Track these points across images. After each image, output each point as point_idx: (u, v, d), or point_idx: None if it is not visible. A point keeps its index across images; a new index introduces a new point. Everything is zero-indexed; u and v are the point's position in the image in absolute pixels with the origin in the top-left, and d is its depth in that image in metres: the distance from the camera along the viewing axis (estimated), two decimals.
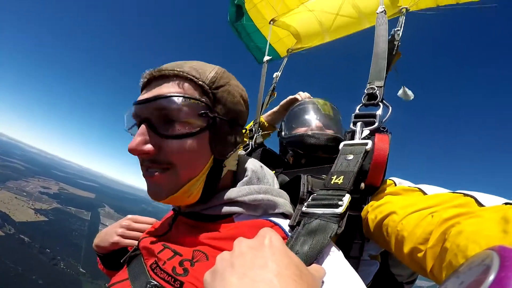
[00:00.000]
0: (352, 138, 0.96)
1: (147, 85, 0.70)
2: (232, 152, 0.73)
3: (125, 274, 0.70)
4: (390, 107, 1.03)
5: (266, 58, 2.44)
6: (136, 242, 0.85)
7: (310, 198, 0.71)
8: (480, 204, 0.57)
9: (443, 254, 0.54)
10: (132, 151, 0.63)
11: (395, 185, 0.85)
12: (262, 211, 0.70)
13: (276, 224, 0.65)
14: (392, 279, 1.15)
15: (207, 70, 0.69)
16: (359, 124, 0.98)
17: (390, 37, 1.37)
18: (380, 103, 1.04)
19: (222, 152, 0.70)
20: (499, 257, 0.27)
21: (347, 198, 0.66)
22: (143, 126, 0.64)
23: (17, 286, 64.84)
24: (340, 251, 0.60)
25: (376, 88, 1.07)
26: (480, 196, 0.60)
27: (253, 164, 0.80)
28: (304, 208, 0.66)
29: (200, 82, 0.67)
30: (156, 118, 0.65)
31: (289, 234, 0.62)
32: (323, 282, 0.48)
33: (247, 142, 1.66)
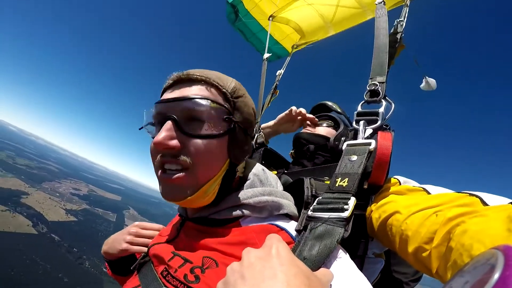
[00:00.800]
0: (355, 137, 0.95)
1: (172, 86, 0.73)
2: (243, 158, 0.78)
3: (136, 281, 0.72)
4: (393, 104, 1.01)
5: (266, 55, 2.33)
6: (144, 249, 0.89)
7: (316, 201, 0.71)
8: (485, 204, 0.57)
9: (448, 254, 0.54)
10: (157, 144, 0.64)
11: (400, 184, 0.85)
12: (267, 213, 0.72)
13: (282, 229, 0.66)
14: (393, 278, 1.15)
15: (229, 81, 0.76)
16: (361, 122, 0.97)
17: (393, 28, 1.33)
18: (382, 100, 1.03)
19: (237, 157, 0.74)
20: (504, 256, 0.26)
21: (352, 202, 0.65)
22: (169, 122, 0.66)
23: (44, 283, 68.35)
24: (347, 254, 0.60)
25: (378, 84, 1.05)
26: (485, 196, 0.60)
27: (255, 168, 0.82)
28: (310, 212, 0.66)
29: (224, 90, 0.72)
30: (182, 117, 0.67)
31: (296, 238, 0.63)
32: (331, 285, 0.49)
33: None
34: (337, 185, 0.74)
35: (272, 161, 1.37)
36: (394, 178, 0.89)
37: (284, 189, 0.87)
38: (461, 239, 0.51)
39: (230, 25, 2.90)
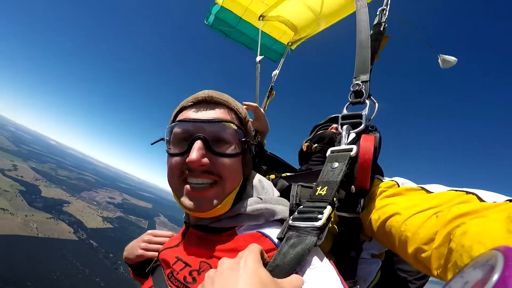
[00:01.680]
0: (340, 142, 0.95)
1: (193, 107, 0.80)
2: (250, 174, 0.87)
3: (150, 282, 0.83)
4: (377, 104, 1.00)
5: (258, 58, 2.30)
6: (156, 254, 0.99)
7: (297, 211, 0.75)
8: (482, 201, 0.59)
9: (448, 255, 0.55)
10: (192, 162, 0.72)
11: (398, 186, 0.85)
12: (264, 219, 0.78)
13: (266, 236, 0.72)
14: (397, 276, 1.14)
15: (241, 107, 0.86)
16: (345, 127, 0.97)
17: (376, 18, 1.28)
18: (366, 100, 1.01)
19: (247, 172, 0.84)
20: (504, 257, 0.27)
21: (327, 211, 0.69)
22: (199, 142, 0.73)
23: (83, 286, 72.35)
24: (325, 259, 0.64)
25: (361, 83, 1.04)
26: (481, 193, 0.62)
27: (252, 178, 0.89)
28: (290, 221, 0.71)
29: (240, 115, 0.82)
30: (211, 137, 0.75)
31: (278, 245, 0.68)
32: None
33: None
34: (317, 193, 0.77)
35: (272, 164, 1.40)
36: (392, 180, 0.88)
37: (281, 194, 0.93)
38: (461, 240, 0.52)
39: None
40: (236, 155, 0.78)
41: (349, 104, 1.06)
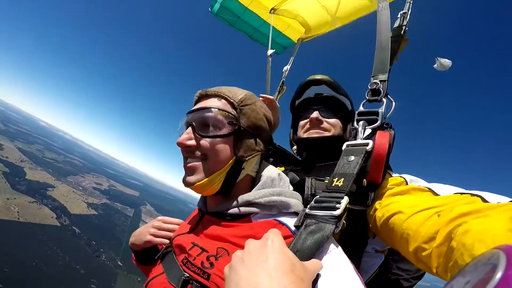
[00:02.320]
0: (355, 137, 0.98)
1: (197, 101, 0.94)
2: (250, 157, 0.89)
3: (160, 269, 0.86)
4: (394, 102, 1.02)
5: (270, 52, 2.24)
6: (165, 241, 1.05)
7: (313, 200, 0.78)
8: (485, 201, 0.60)
9: (449, 253, 0.55)
10: (178, 143, 0.85)
11: (407, 183, 0.87)
12: (277, 210, 0.83)
13: (283, 224, 0.77)
14: (390, 275, 1.19)
15: (238, 93, 0.92)
16: (361, 123, 1.01)
17: (397, 21, 1.29)
18: (383, 99, 1.04)
19: (242, 155, 0.86)
20: (506, 256, 0.27)
21: (345, 201, 0.73)
22: (189, 128, 0.87)
23: (62, 273, 72.58)
24: (339, 247, 0.68)
25: (379, 82, 1.06)
26: (486, 195, 0.63)
27: (269, 170, 0.93)
28: (307, 210, 0.74)
29: (231, 100, 0.88)
30: (198, 123, 0.87)
31: (295, 232, 0.72)
32: (319, 274, 0.58)
33: None
34: (333, 184, 0.81)
35: (282, 159, 1.39)
36: (401, 177, 0.90)
37: (293, 186, 0.98)
38: (463, 239, 0.52)
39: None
40: (218, 137, 0.83)
41: (366, 102, 1.08)
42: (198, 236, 0.86)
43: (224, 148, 0.84)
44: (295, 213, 0.83)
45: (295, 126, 1.46)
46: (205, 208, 0.94)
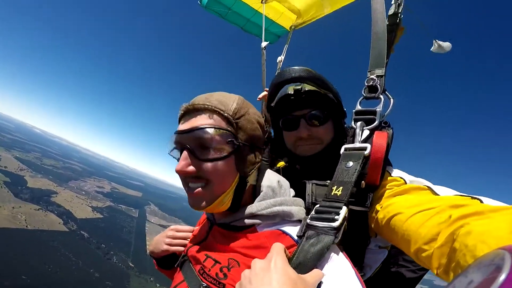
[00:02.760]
0: (353, 138, 0.97)
1: (183, 116, 0.86)
2: (253, 171, 0.88)
3: (181, 276, 0.89)
4: (392, 99, 0.99)
5: (264, 44, 2.20)
6: (181, 248, 1.09)
7: (314, 210, 0.80)
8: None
9: (451, 254, 0.56)
10: (178, 172, 0.80)
11: (406, 183, 0.86)
12: (280, 219, 0.84)
13: (287, 234, 0.79)
14: (391, 271, 1.20)
15: (230, 102, 0.84)
16: (359, 124, 0.98)
17: (391, 9, 1.22)
18: (381, 95, 1.00)
19: (245, 171, 0.85)
20: (511, 256, 0.26)
21: (343, 212, 0.74)
22: (185, 152, 0.80)
23: (77, 278, 73.00)
24: (341, 253, 0.70)
25: (376, 78, 1.02)
26: (486, 200, 0.63)
27: (269, 180, 0.91)
28: (308, 220, 0.76)
29: (225, 114, 0.82)
30: (194, 145, 0.80)
31: (298, 241, 0.75)
32: (321, 283, 0.62)
33: None
34: (332, 193, 0.82)
35: (276, 149, 1.30)
36: (400, 176, 0.90)
37: (294, 190, 0.97)
38: (465, 240, 0.52)
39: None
40: (222, 158, 0.79)
41: (362, 99, 1.04)
42: (210, 247, 0.88)
43: (227, 169, 0.81)
44: (299, 220, 0.85)
45: (277, 130, 1.27)
46: (213, 217, 0.94)
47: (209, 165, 0.79)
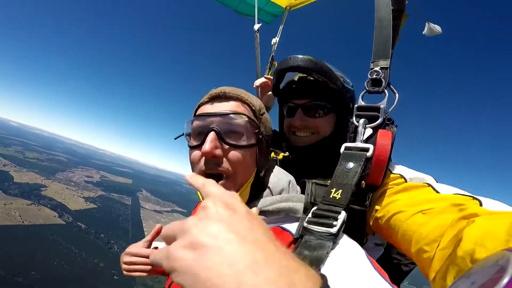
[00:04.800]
0: (355, 136, 0.93)
1: (210, 102, 0.85)
2: (266, 166, 0.90)
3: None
4: (397, 94, 0.95)
5: (256, 26, 2.07)
6: (144, 274, 1.02)
7: (311, 213, 0.77)
8: (483, 206, 0.60)
9: (451, 257, 0.56)
10: (206, 154, 0.76)
11: (406, 181, 0.85)
12: (284, 214, 0.83)
13: (287, 230, 0.77)
14: (390, 263, 1.22)
15: (255, 99, 0.88)
16: (361, 121, 0.94)
17: None
18: (385, 90, 0.95)
19: (262, 165, 0.86)
20: None
21: (342, 217, 0.71)
22: (213, 133, 0.76)
23: (84, 269, 74.33)
24: (344, 257, 0.63)
25: (380, 71, 0.97)
26: (486, 201, 0.63)
27: (276, 174, 0.91)
28: (305, 224, 0.73)
29: (253, 108, 0.85)
30: (223, 129, 0.78)
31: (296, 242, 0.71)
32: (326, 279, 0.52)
33: None
34: (331, 196, 0.79)
35: (279, 144, 1.26)
36: (400, 174, 0.88)
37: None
38: (464, 243, 0.52)
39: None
40: (249, 147, 0.80)
41: (365, 93, 1.00)
42: None
43: (251, 160, 0.81)
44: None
45: (281, 118, 1.28)
46: None
47: (238, 152, 0.78)
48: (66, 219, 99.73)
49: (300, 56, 1.04)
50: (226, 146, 0.78)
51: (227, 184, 0.78)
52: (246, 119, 0.80)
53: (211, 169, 0.78)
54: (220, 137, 0.77)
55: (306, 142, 1.12)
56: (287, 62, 1.07)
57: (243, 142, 0.79)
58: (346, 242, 0.66)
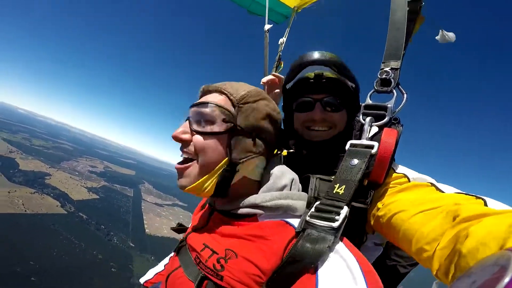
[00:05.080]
0: (360, 134, 0.94)
1: (200, 97, 0.93)
2: (246, 159, 0.84)
3: (177, 262, 0.91)
4: (405, 94, 0.95)
5: (267, 26, 2.11)
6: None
7: (314, 207, 0.79)
8: (487, 206, 0.60)
9: (452, 256, 0.56)
10: (173, 137, 0.85)
11: (409, 180, 0.86)
12: (282, 212, 0.83)
13: (290, 225, 0.78)
14: (388, 261, 1.22)
15: (240, 89, 0.87)
16: (368, 120, 0.94)
17: None
18: (394, 90, 0.96)
19: (236, 156, 0.83)
20: None
21: (344, 212, 0.73)
22: (186, 121, 0.86)
23: (83, 260, 75.10)
24: (345, 252, 0.67)
25: (390, 72, 0.98)
26: (490, 201, 0.63)
27: (276, 171, 0.91)
28: (307, 218, 0.74)
29: (231, 97, 0.85)
30: (194, 117, 0.85)
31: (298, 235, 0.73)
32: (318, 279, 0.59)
33: None
34: (334, 191, 0.81)
35: (285, 142, 1.18)
36: (403, 174, 0.89)
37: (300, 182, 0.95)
38: (467, 242, 0.52)
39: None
40: (213, 134, 0.81)
41: (373, 92, 1.00)
42: (209, 234, 0.88)
43: (215, 147, 0.81)
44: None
45: (288, 113, 1.24)
46: (214, 203, 0.94)
47: (198, 137, 0.82)
48: (68, 209, 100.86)
49: (318, 52, 1.08)
50: (194, 133, 0.83)
51: (189, 169, 0.83)
52: (212, 107, 0.82)
53: (181, 151, 0.85)
54: (190, 124, 0.84)
55: (323, 137, 1.10)
56: (309, 56, 1.08)
57: (205, 128, 0.82)
58: (343, 252, 0.67)
